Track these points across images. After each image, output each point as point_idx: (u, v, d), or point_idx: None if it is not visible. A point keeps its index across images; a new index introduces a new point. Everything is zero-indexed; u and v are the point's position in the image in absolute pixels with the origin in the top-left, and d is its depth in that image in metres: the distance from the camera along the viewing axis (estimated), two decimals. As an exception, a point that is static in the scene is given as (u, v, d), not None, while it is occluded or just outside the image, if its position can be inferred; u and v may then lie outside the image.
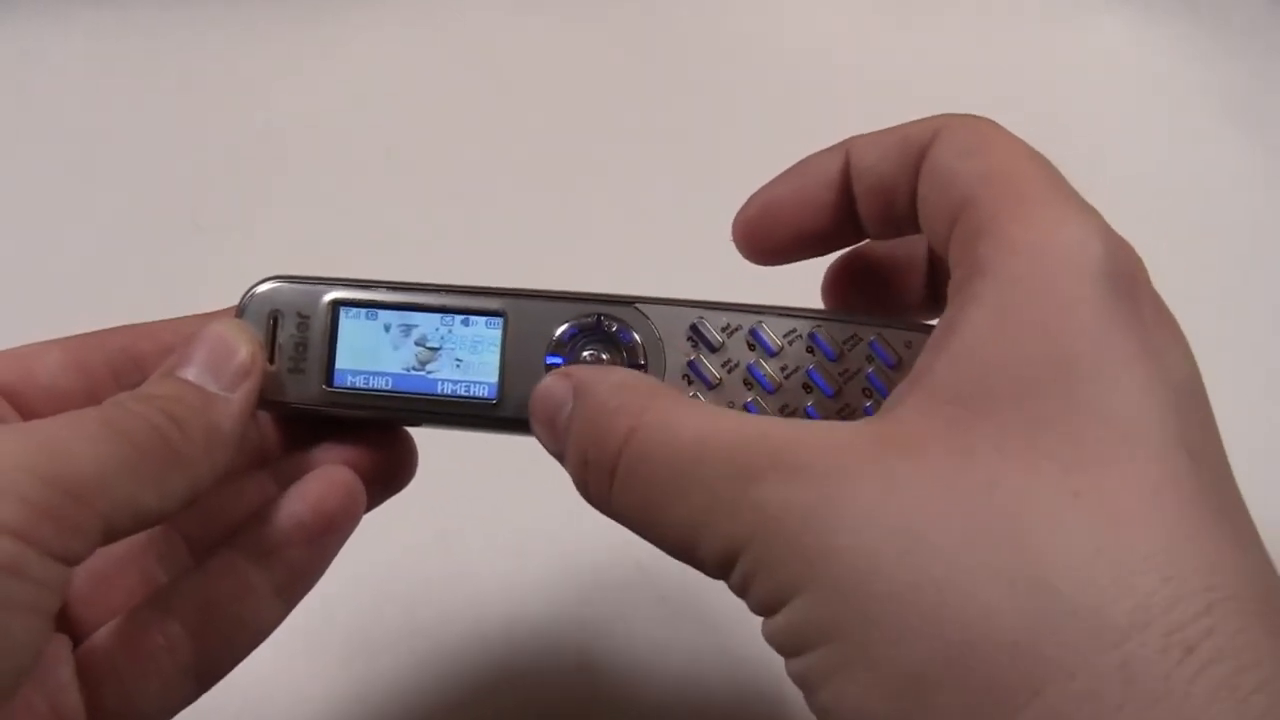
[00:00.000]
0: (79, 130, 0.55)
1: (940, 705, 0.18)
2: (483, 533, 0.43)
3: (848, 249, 0.29)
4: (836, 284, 0.30)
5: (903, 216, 0.25)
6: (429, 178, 0.54)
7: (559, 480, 0.42)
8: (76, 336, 0.28)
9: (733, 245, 0.50)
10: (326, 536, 0.28)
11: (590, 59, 0.58)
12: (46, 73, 0.57)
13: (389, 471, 0.30)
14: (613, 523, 0.43)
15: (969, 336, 0.20)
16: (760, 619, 0.21)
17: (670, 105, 0.56)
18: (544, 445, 0.26)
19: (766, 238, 0.27)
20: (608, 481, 0.23)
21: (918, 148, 0.24)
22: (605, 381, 0.24)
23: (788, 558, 0.20)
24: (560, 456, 0.25)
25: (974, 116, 0.24)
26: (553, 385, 0.25)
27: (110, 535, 0.22)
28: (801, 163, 0.27)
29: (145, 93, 0.56)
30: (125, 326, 0.28)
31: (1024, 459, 0.19)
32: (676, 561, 0.43)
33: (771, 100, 0.57)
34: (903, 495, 0.19)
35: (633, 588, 0.43)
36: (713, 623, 0.42)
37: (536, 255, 0.51)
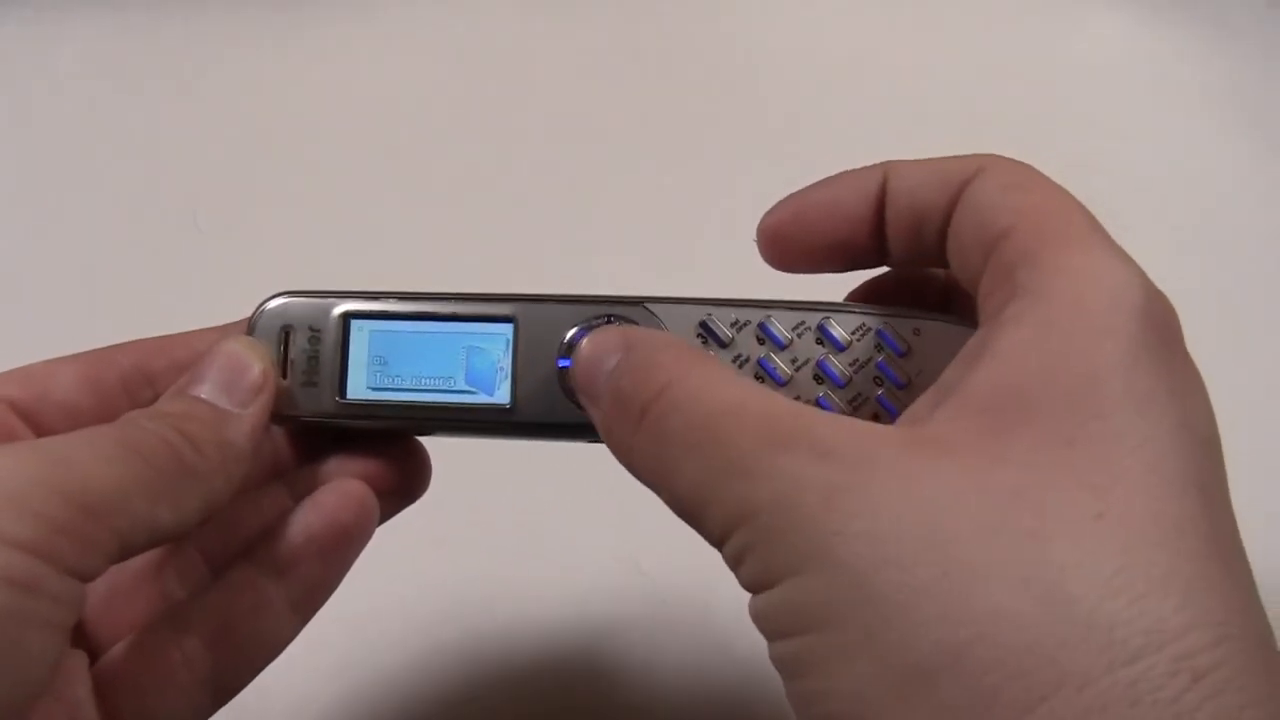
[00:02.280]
0: (79, 130, 0.55)
1: (943, 699, 0.18)
2: (482, 535, 0.43)
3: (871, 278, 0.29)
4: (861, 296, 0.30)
5: (930, 246, 0.25)
6: (429, 178, 0.54)
7: (559, 481, 0.43)
8: (89, 353, 0.28)
9: (737, 245, 0.50)
10: (340, 549, 0.28)
11: (592, 61, 0.58)
12: (46, 73, 0.57)
13: (403, 482, 0.30)
14: (613, 523, 0.43)
15: (1005, 352, 0.21)
16: (748, 595, 0.21)
17: (669, 106, 0.56)
18: (581, 394, 0.26)
19: (791, 244, 0.27)
20: (634, 425, 0.23)
21: (959, 180, 0.24)
22: (656, 337, 0.25)
23: (797, 533, 0.20)
24: (592, 402, 0.25)
25: (1016, 160, 0.24)
26: (607, 336, 0.25)
27: (126, 551, 0.22)
28: (836, 176, 0.27)
29: (145, 93, 0.56)
30: (137, 342, 0.28)
31: (1051, 474, 0.19)
32: (677, 563, 0.43)
33: (772, 100, 0.57)
34: (925, 492, 0.19)
35: (633, 590, 0.43)
36: (713, 624, 0.42)
37: (540, 254, 0.51)
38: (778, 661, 0.21)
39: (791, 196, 0.27)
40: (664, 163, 0.54)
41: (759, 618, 0.21)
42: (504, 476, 0.41)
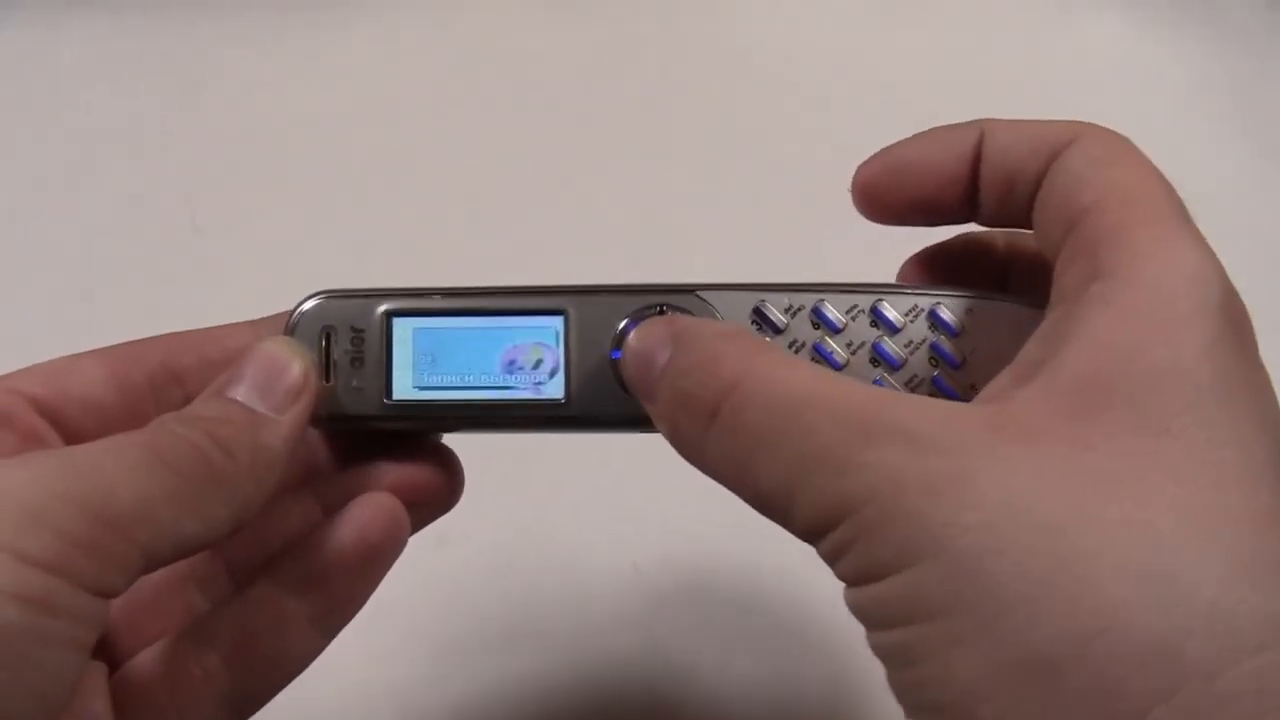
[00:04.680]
0: (79, 130, 0.55)
1: (1067, 689, 0.18)
2: (480, 535, 0.43)
3: (940, 243, 0.29)
4: (914, 270, 0.30)
5: (1020, 209, 0.25)
6: (429, 178, 0.54)
7: (556, 481, 0.43)
8: (115, 348, 0.27)
9: (738, 244, 0.50)
10: (369, 566, 0.27)
11: (592, 61, 0.58)
12: (46, 73, 0.56)
13: (438, 493, 0.29)
14: (610, 523, 0.43)
15: (1092, 333, 0.20)
16: (844, 585, 0.21)
17: (669, 106, 0.56)
18: (634, 390, 0.25)
19: (885, 195, 0.27)
20: (704, 424, 0.22)
21: (1053, 146, 0.24)
22: (710, 328, 0.24)
23: (904, 526, 0.19)
24: (648, 400, 0.24)
25: (1114, 131, 0.24)
26: (653, 329, 0.25)
27: (150, 565, 0.22)
28: (931, 131, 0.27)
29: (145, 93, 0.56)
30: (165, 336, 0.28)
31: (1147, 463, 0.19)
32: (675, 563, 0.43)
33: (771, 100, 0.57)
34: (1026, 479, 0.19)
35: (630, 589, 0.43)
36: (712, 623, 0.42)
37: (540, 254, 0.51)
38: (881, 651, 0.20)
39: (886, 150, 0.27)
40: (664, 162, 0.54)
41: (863, 610, 0.21)
42: (503, 476, 0.41)
